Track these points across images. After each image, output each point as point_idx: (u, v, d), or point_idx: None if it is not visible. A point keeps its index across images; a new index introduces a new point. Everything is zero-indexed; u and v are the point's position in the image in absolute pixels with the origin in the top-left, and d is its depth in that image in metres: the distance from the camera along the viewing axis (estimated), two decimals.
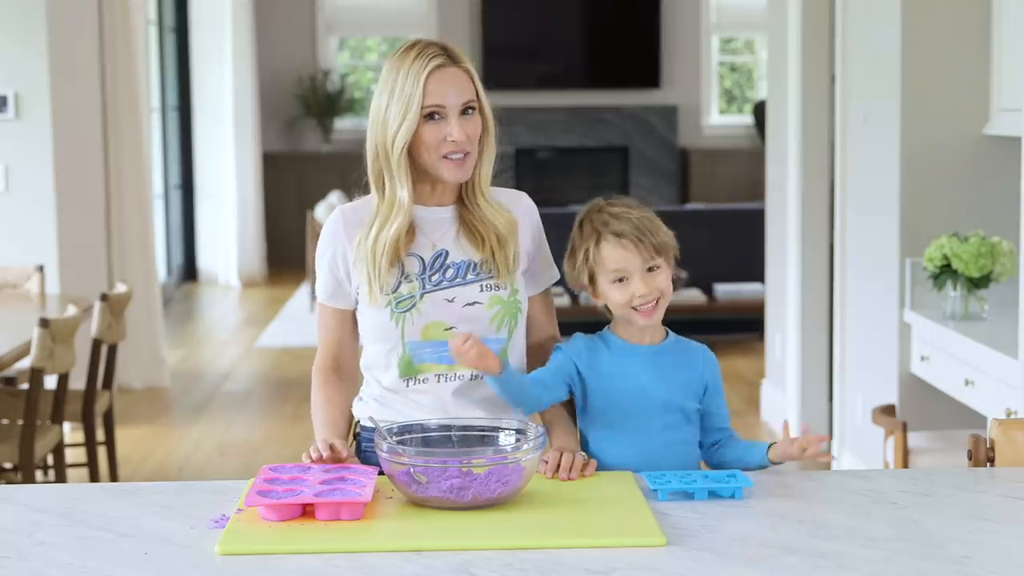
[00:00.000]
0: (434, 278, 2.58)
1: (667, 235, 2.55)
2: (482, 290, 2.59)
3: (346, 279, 2.63)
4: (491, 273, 2.60)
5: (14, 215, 6.55)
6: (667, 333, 2.61)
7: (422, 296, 2.57)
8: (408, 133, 2.52)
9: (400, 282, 2.58)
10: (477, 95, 2.58)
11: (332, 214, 2.66)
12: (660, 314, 2.56)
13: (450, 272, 2.59)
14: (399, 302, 2.57)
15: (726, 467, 2.56)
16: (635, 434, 2.55)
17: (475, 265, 2.60)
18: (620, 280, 2.53)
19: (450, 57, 2.56)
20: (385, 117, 2.55)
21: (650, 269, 2.53)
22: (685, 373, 2.57)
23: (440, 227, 2.61)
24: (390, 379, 2.61)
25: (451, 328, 2.56)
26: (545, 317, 2.73)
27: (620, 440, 2.55)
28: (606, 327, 2.62)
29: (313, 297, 9.07)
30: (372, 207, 2.62)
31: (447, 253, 2.60)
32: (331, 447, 2.44)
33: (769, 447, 2.53)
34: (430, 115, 2.53)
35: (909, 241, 4.95)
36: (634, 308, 2.53)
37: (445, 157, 2.55)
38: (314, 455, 2.44)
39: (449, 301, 2.58)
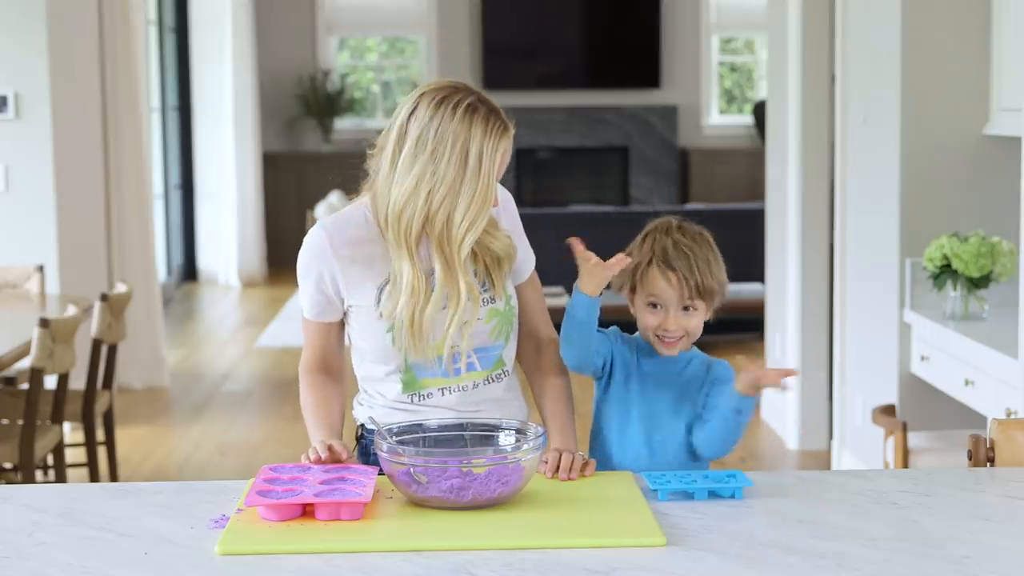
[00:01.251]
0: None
1: (718, 281, 2.58)
2: (480, 305, 2.58)
3: (336, 297, 2.59)
4: (484, 286, 2.59)
5: (14, 215, 6.55)
6: (691, 347, 2.65)
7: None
8: (483, 225, 2.48)
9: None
10: None
11: (314, 231, 2.59)
12: (679, 349, 2.61)
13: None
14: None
15: (710, 434, 2.56)
16: (650, 434, 2.59)
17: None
18: (654, 306, 2.58)
19: (505, 123, 2.48)
20: (455, 196, 2.45)
21: (685, 308, 2.57)
22: (695, 383, 2.61)
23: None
24: (394, 394, 2.61)
25: (454, 346, 2.56)
26: (537, 307, 2.71)
27: (633, 438, 2.59)
28: (636, 333, 2.66)
29: None
30: (354, 225, 2.57)
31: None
32: (329, 448, 2.44)
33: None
34: None
35: (909, 241, 4.95)
36: (657, 336, 2.59)
37: None
38: (312, 457, 2.44)
39: None
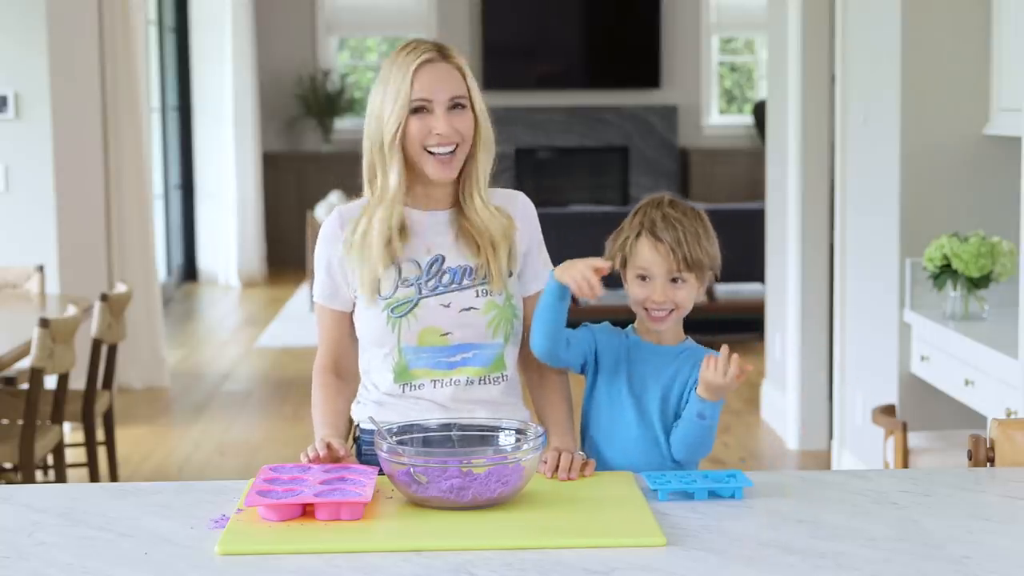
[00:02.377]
0: (431, 283, 2.58)
1: (707, 254, 2.56)
2: (478, 295, 2.60)
3: (343, 282, 2.63)
4: (486, 279, 2.61)
5: (14, 215, 6.55)
6: (686, 339, 2.63)
7: (418, 301, 2.57)
8: (395, 124, 2.54)
9: (397, 287, 2.58)
10: (468, 93, 2.58)
11: (330, 215, 2.66)
12: (671, 324, 2.59)
13: (446, 277, 2.59)
14: (396, 307, 2.57)
15: (677, 436, 2.54)
16: (625, 430, 2.56)
17: (471, 270, 2.61)
18: (643, 279, 2.57)
19: (441, 53, 2.58)
20: (380, 112, 2.57)
21: (674, 280, 2.55)
22: (681, 377, 2.57)
23: (436, 230, 2.62)
24: (386, 384, 2.61)
25: (447, 334, 2.57)
26: None
27: (614, 437, 2.58)
28: (630, 325, 2.65)
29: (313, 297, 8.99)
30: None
31: (443, 258, 2.60)
32: (328, 446, 2.44)
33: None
34: (417, 109, 2.55)
35: (909, 241, 4.95)
36: (646, 309, 2.57)
37: (428, 152, 2.56)
38: (311, 454, 2.44)
39: (445, 306, 2.58)
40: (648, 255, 2.55)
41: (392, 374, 2.60)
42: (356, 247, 2.59)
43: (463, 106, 2.57)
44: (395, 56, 2.59)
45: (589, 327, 2.63)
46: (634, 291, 2.58)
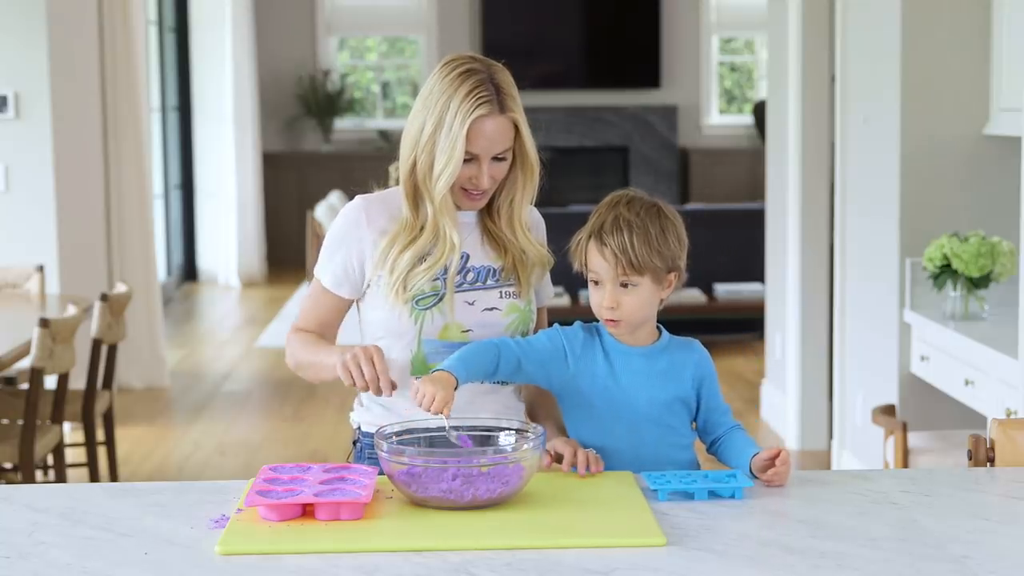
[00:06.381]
0: (456, 279, 2.58)
1: (659, 255, 2.47)
2: (501, 296, 2.60)
3: (357, 273, 2.61)
4: (511, 281, 2.61)
5: (14, 215, 6.55)
6: (660, 332, 2.57)
7: (444, 296, 2.57)
8: (451, 178, 2.52)
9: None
10: (516, 139, 2.59)
11: (354, 202, 2.63)
12: (624, 331, 2.51)
13: (471, 275, 2.60)
14: (421, 299, 2.56)
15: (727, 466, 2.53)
16: (625, 437, 2.51)
17: (495, 271, 2.61)
18: (596, 283, 2.51)
19: (499, 104, 2.55)
20: (432, 147, 2.53)
21: (624, 284, 2.48)
22: (676, 376, 2.53)
23: (463, 230, 2.61)
24: (398, 376, 2.59)
25: (468, 331, 2.56)
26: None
27: (609, 442, 2.52)
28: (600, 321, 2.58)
29: None
30: (395, 203, 2.61)
31: (468, 256, 2.60)
32: (373, 353, 2.43)
33: (753, 456, 2.46)
34: (465, 159, 2.54)
35: (909, 241, 4.95)
36: (603, 316, 2.51)
37: (464, 189, 2.57)
38: (354, 369, 2.42)
39: (469, 304, 2.58)
40: (596, 260, 2.49)
41: (409, 366, 2.59)
42: (393, 264, 2.56)
43: (504, 159, 2.58)
44: (453, 88, 2.52)
45: (560, 333, 2.54)
46: (591, 295, 2.53)
